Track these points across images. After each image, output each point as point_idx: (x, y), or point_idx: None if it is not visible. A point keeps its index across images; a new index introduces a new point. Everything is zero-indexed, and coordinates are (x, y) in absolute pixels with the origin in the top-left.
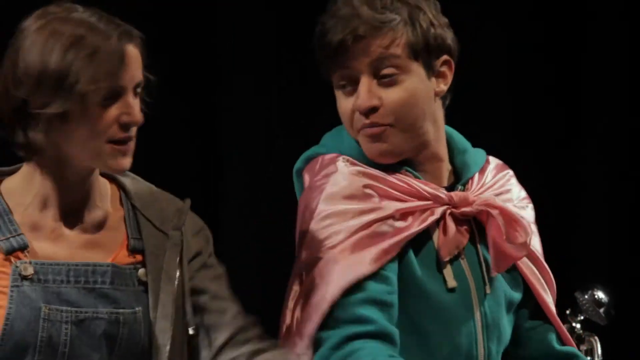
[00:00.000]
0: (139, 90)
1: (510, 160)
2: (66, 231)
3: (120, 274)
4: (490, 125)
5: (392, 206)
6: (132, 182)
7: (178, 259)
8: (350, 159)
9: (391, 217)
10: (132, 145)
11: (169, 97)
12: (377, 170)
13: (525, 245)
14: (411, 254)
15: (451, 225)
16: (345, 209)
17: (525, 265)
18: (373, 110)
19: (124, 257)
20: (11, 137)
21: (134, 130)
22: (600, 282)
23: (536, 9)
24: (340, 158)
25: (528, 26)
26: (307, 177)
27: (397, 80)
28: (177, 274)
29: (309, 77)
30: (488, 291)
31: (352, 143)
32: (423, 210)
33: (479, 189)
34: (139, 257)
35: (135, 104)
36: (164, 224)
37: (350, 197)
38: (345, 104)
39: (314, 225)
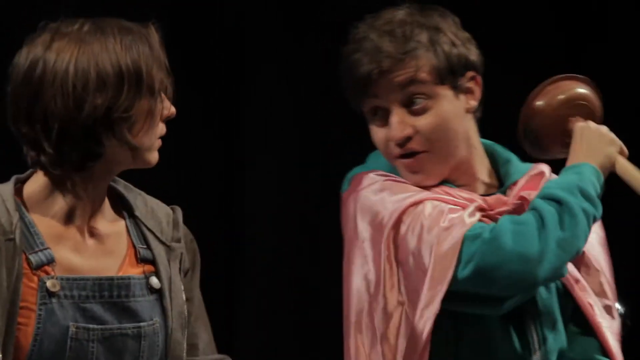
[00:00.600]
0: None
1: None
2: (87, 242)
3: (137, 285)
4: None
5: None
6: (126, 190)
7: (178, 270)
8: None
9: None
10: None
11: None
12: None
13: None
14: None
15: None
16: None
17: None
18: (407, 139)
19: (134, 267)
20: (71, 151)
21: None
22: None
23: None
24: (373, 172)
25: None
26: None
27: (426, 107)
28: (182, 286)
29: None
30: None
31: (390, 166)
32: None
33: (520, 191)
34: (148, 267)
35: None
36: (163, 235)
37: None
38: (379, 134)
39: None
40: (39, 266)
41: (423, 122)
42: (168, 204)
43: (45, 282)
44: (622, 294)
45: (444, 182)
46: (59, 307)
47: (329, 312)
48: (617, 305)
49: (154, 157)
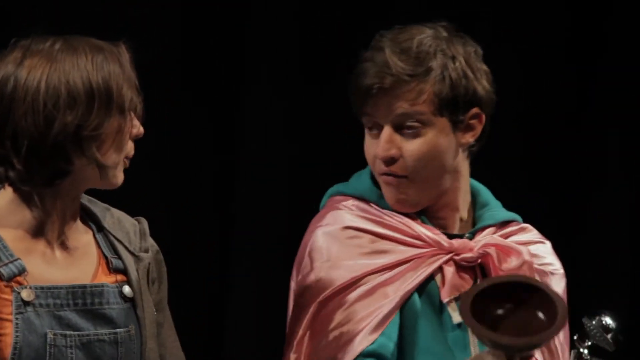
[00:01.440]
0: None
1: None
2: (57, 255)
3: (111, 293)
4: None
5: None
6: (92, 203)
7: (147, 280)
8: (360, 204)
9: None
10: None
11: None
12: (386, 211)
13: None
14: (415, 295)
15: (449, 270)
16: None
17: None
18: (392, 160)
19: (107, 276)
20: (40, 168)
21: None
22: (608, 308)
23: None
24: (344, 205)
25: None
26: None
27: (418, 133)
28: (150, 296)
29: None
30: None
31: (372, 186)
32: (422, 257)
33: (485, 236)
34: (120, 276)
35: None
36: (131, 245)
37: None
38: (369, 147)
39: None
40: (11, 277)
41: (411, 147)
42: (156, 206)
43: (19, 292)
44: (614, 309)
45: (420, 212)
46: (35, 315)
47: None
48: (609, 321)
49: (119, 177)
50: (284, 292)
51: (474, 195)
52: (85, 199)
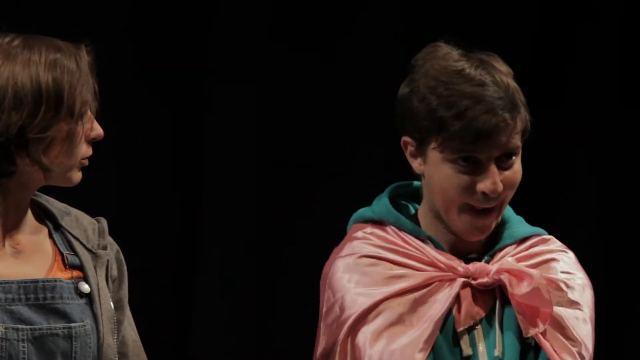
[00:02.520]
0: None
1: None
2: (6, 251)
3: (66, 288)
4: None
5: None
6: (48, 202)
7: (105, 277)
8: (376, 231)
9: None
10: None
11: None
12: (402, 234)
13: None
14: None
15: (466, 297)
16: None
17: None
18: (498, 195)
19: (62, 272)
20: None
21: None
22: None
23: None
24: (363, 233)
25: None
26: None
27: (513, 162)
28: (109, 293)
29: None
30: (497, 354)
31: (390, 209)
32: (442, 280)
33: (503, 258)
34: (76, 273)
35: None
36: (89, 242)
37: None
38: (460, 180)
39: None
40: None
41: (508, 176)
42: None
43: None
44: None
45: (429, 235)
46: None
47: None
48: None
49: (74, 176)
50: (250, 290)
51: None
52: (43, 199)
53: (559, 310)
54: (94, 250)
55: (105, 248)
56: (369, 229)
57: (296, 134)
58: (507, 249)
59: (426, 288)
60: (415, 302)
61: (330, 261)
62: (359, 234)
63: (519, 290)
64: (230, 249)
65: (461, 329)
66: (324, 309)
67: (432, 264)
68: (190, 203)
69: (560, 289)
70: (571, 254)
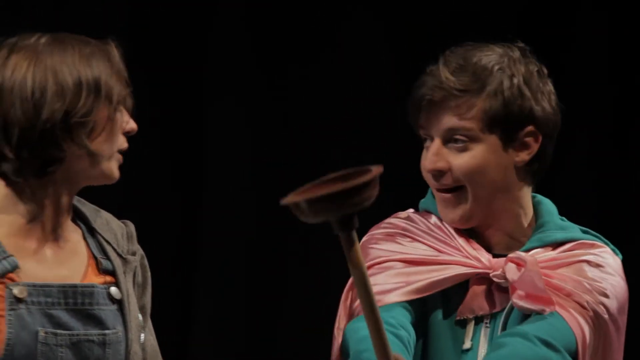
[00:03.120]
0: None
1: None
2: (47, 252)
3: (100, 293)
4: None
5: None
6: (81, 203)
7: (132, 283)
8: (416, 216)
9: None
10: None
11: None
12: (435, 226)
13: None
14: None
15: (476, 288)
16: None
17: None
18: (439, 173)
19: (95, 277)
20: (31, 156)
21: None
22: None
23: None
24: (405, 213)
25: None
26: None
27: (466, 147)
28: (135, 299)
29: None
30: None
31: (432, 198)
32: (459, 264)
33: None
34: (109, 278)
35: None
36: (119, 247)
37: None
38: (423, 159)
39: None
40: (4, 274)
41: (458, 160)
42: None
43: (12, 289)
44: None
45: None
46: (27, 312)
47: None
48: None
49: (113, 168)
50: (250, 290)
51: (537, 217)
52: (75, 199)
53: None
54: (123, 256)
55: (134, 254)
56: (412, 214)
57: (296, 134)
58: (535, 252)
59: (443, 265)
60: (427, 269)
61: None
62: (402, 214)
63: (512, 276)
64: (230, 249)
65: (460, 317)
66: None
67: (457, 249)
68: (190, 203)
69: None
70: (608, 263)
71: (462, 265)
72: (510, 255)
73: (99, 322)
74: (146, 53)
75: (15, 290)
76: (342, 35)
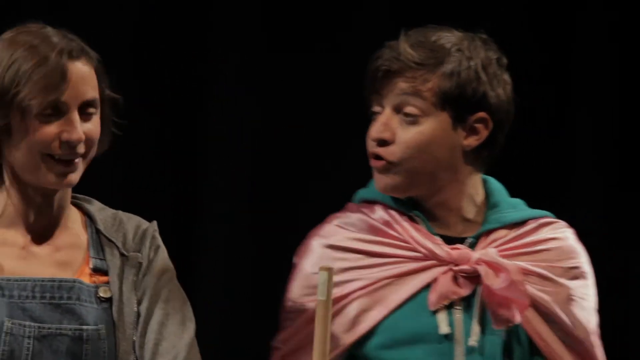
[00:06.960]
0: (91, 109)
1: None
2: (37, 249)
3: (85, 290)
4: None
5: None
6: (98, 209)
7: (135, 280)
8: (361, 216)
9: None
10: (78, 163)
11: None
12: (392, 212)
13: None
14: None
15: (442, 279)
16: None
17: (546, 333)
18: (384, 142)
19: (87, 276)
20: None
21: (81, 148)
22: None
23: None
24: (348, 215)
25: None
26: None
27: (416, 121)
28: (135, 296)
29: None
30: (471, 343)
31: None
32: (419, 270)
33: (490, 244)
34: (102, 278)
35: (77, 121)
36: (125, 246)
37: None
38: (370, 129)
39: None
40: None
41: (405, 133)
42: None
43: None
44: None
45: (417, 207)
46: None
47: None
48: None
49: (56, 179)
50: (250, 290)
51: (487, 196)
52: (96, 205)
53: (545, 298)
54: (126, 254)
55: (138, 251)
56: (355, 215)
57: (296, 134)
58: (496, 234)
59: (398, 278)
60: (384, 286)
61: (312, 235)
62: (345, 215)
63: (494, 283)
64: (230, 249)
65: (433, 308)
66: (290, 280)
67: (413, 250)
68: (190, 203)
69: (550, 279)
70: (566, 238)
71: (420, 270)
72: (485, 257)
73: (77, 317)
74: (145, 50)
75: None
76: (351, 27)
